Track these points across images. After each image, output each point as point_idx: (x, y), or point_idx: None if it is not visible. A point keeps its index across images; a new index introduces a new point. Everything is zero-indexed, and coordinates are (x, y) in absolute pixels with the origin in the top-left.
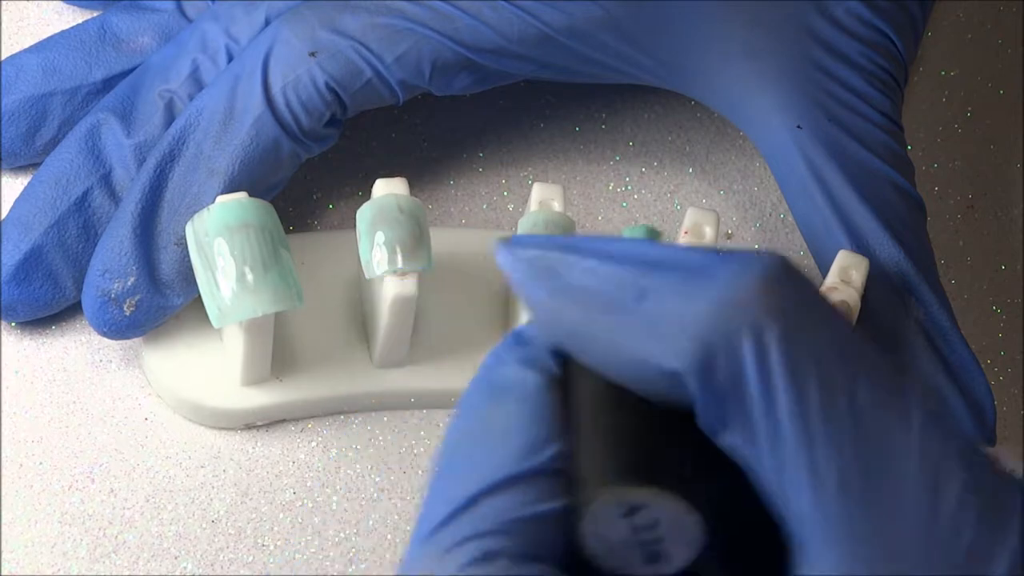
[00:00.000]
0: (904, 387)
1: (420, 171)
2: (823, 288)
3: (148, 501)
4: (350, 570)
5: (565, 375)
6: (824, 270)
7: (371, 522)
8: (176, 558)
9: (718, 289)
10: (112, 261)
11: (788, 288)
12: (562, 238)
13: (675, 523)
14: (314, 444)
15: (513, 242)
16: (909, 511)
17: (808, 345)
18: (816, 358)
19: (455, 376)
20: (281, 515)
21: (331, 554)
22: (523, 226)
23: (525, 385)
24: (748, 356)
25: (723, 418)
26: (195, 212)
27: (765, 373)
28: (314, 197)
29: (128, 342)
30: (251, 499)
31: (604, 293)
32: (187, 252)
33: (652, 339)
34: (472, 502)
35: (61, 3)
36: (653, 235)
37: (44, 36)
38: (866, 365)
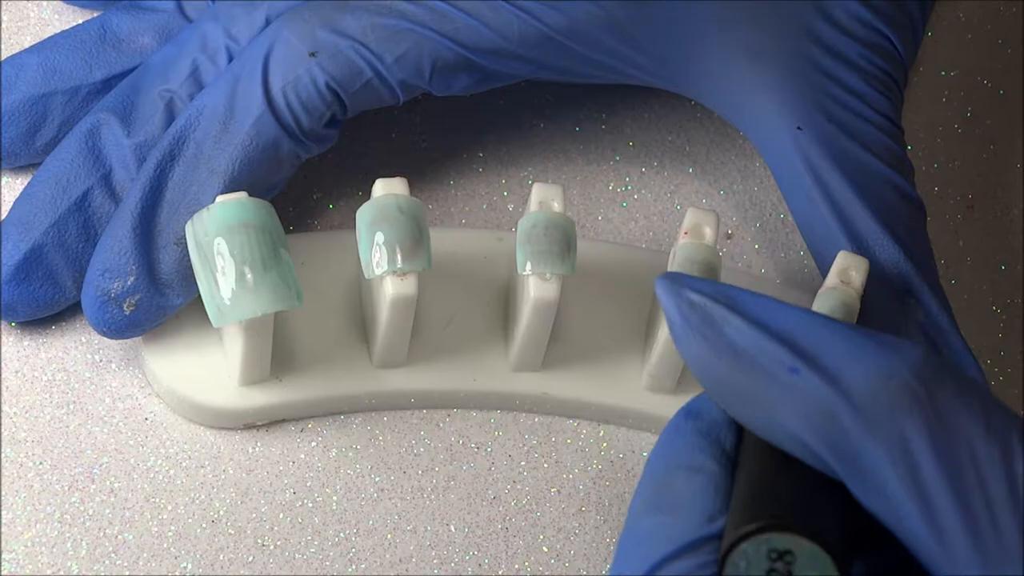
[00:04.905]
0: None
1: (420, 171)
2: (822, 289)
3: (148, 501)
4: (350, 570)
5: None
6: (824, 270)
7: (371, 522)
8: (176, 558)
9: (868, 380)
10: (112, 260)
11: (933, 382)
12: (726, 289)
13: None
14: (314, 444)
15: (678, 281)
16: None
17: (959, 437)
18: (969, 449)
19: (455, 376)
20: (281, 515)
21: (331, 554)
22: (523, 226)
23: (700, 459)
24: (896, 453)
25: (869, 502)
26: (195, 212)
27: (915, 470)
28: (314, 197)
29: (128, 342)
30: (251, 499)
31: (758, 360)
32: (187, 252)
33: (798, 411)
34: (658, 567)
35: (61, 3)
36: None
37: (44, 36)
38: (1012, 449)
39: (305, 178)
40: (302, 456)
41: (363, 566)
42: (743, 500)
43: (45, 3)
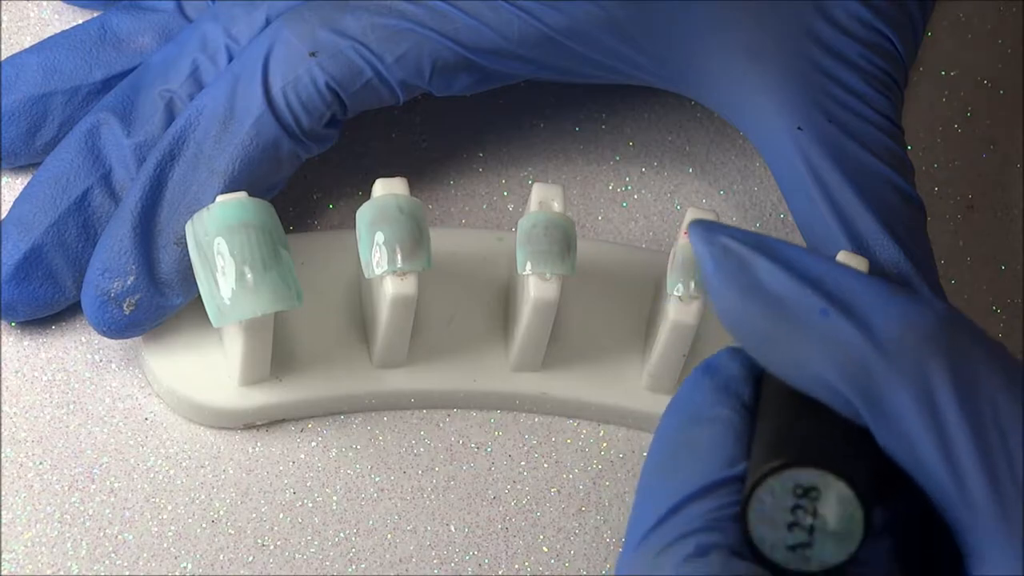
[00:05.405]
0: None
1: (420, 171)
2: None
3: (148, 501)
4: (350, 570)
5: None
6: None
7: (371, 522)
8: (176, 558)
9: (896, 326)
10: (112, 260)
11: (959, 334)
12: (760, 236)
13: (836, 514)
14: (314, 444)
15: (710, 227)
16: None
17: (982, 388)
18: (991, 401)
19: (455, 376)
20: (281, 515)
21: (331, 554)
22: (523, 226)
23: (718, 410)
24: (923, 399)
25: (892, 448)
26: (195, 211)
27: (938, 415)
28: (314, 197)
29: (128, 342)
30: (251, 499)
31: (789, 303)
32: (187, 252)
33: (827, 354)
34: (679, 507)
35: (61, 3)
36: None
37: (44, 36)
38: None
39: (305, 178)
40: (302, 456)
41: (363, 566)
42: (768, 440)
43: (45, 3)
